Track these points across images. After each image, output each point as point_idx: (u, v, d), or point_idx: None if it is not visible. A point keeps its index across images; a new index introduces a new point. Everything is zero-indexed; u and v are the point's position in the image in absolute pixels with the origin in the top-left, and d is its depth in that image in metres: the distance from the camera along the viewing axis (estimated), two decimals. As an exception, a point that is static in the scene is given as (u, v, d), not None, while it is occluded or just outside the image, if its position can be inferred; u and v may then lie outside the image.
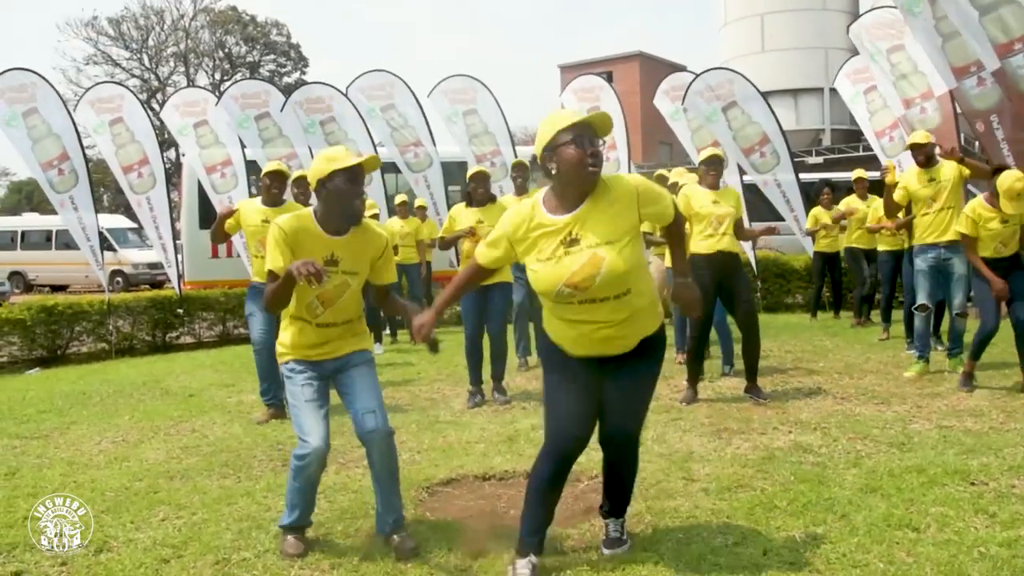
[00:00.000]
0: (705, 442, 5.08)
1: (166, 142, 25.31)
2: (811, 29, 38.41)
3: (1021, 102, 8.31)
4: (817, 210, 10.85)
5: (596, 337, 3.13)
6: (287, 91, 13.42)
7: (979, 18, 8.10)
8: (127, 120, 11.23)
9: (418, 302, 11.56)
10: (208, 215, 13.49)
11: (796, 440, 5.06)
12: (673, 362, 7.85)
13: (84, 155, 10.59)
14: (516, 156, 12.23)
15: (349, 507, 4.14)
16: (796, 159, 13.40)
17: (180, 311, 11.06)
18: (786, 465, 4.53)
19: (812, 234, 11.02)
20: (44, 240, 24.27)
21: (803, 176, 12.68)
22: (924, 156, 6.82)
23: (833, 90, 29.59)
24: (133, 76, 43.97)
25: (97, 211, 10.90)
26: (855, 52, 11.87)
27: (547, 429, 3.27)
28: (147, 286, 21.08)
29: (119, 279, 22.19)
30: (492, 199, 6.75)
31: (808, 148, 35.36)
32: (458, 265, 7.20)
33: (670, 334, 9.19)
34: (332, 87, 12.41)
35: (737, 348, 6.85)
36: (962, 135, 11.66)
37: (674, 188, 7.20)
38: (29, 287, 23.80)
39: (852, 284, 10.83)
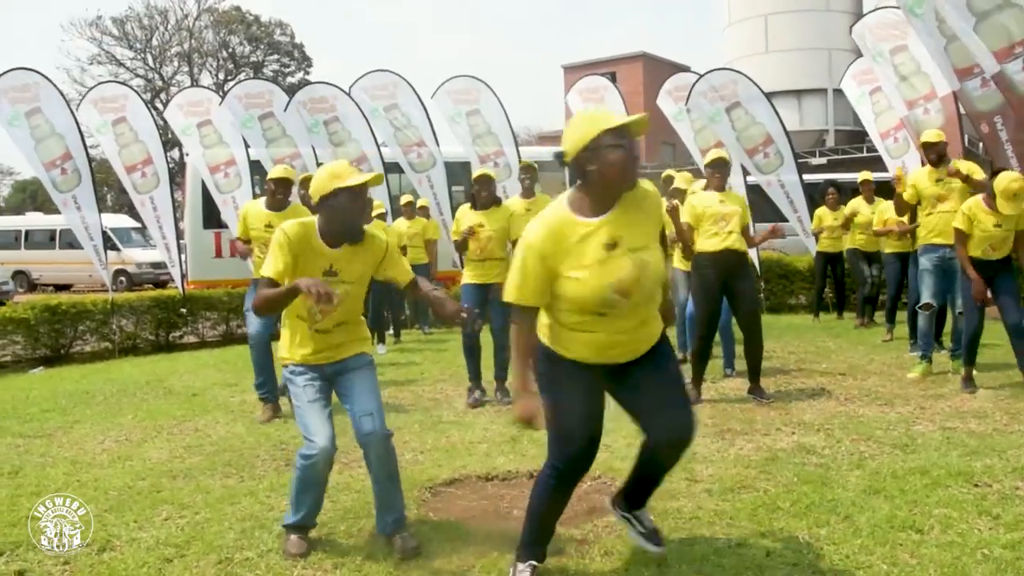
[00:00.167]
0: (708, 443, 5.07)
1: (170, 142, 25.32)
2: (815, 30, 38.38)
3: (1021, 106, 8.29)
4: (821, 210, 10.84)
5: (612, 342, 3.01)
6: (291, 91, 13.43)
7: (976, 24, 8.08)
8: (130, 120, 11.23)
9: (424, 305, 11.60)
10: (212, 214, 13.52)
11: (799, 441, 5.05)
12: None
13: (87, 155, 10.59)
14: (520, 156, 12.28)
15: (352, 507, 4.14)
16: (800, 160, 13.38)
17: (183, 310, 11.06)
18: (789, 466, 4.53)
19: (816, 234, 11.02)
20: (48, 239, 24.29)
21: (807, 177, 12.66)
22: (936, 155, 6.82)
23: (837, 91, 29.56)
24: (137, 76, 44.03)
25: (101, 211, 10.90)
26: (859, 53, 11.86)
27: (554, 438, 3.11)
28: (150, 285, 21.12)
29: (123, 278, 22.22)
30: (496, 202, 6.75)
31: (812, 149, 35.32)
32: (461, 266, 7.20)
33: (672, 334, 9.20)
34: (336, 87, 12.42)
35: (739, 349, 6.84)
36: (966, 136, 11.65)
37: (681, 195, 7.18)
38: (33, 286, 23.84)
39: (855, 285, 10.82)
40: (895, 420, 5.51)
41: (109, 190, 40.01)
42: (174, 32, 45.12)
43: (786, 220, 11.58)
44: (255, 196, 10.60)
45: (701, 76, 11.95)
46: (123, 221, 25.00)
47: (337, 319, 3.61)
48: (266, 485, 4.52)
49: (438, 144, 12.87)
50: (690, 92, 11.75)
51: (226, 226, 12.38)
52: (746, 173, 11.74)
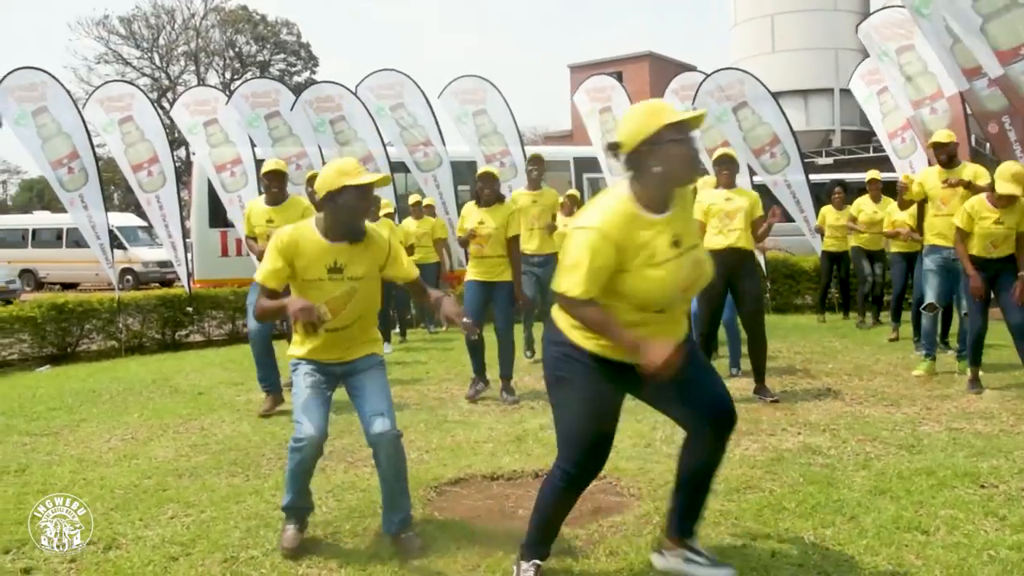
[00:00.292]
0: (713, 443, 5.06)
1: (176, 141, 25.35)
2: (821, 30, 38.29)
3: None
4: (827, 208, 10.83)
5: (660, 339, 2.85)
6: (297, 90, 13.45)
7: (983, 24, 8.04)
8: (137, 119, 11.25)
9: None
10: (218, 213, 13.54)
11: (805, 441, 5.05)
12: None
13: (94, 153, 10.62)
14: (525, 156, 12.28)
15: (357, 506, 4.14)
16: (806, 160, 13.36)
17: (189, 309, 11.08)
18: (795, 467, 4.52)
19: (820, 231, 11.01)
20: (54, 238, 24.36)
21: (813, 177, 12.64)
22: (946, 155, 6.82)
23: (844, 91, 29.47)
24: (144, 75, 44.14)
25: (107, 209, 10.92)
26: (866, 53, 11.84)
27: (567, 440, 3.01)
28: (157, 284, 21.18)
29: (129, 277, 22.27)
30: (500, 199, 6.75)
31: (818, 149, 35.28)
32: (465, 263, 7.21)
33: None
34: (342, 86, 12.43)
35: (744, 348, 6.83)
36: (973, 136, 11.62)
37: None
38: (40, 285, 23.91)
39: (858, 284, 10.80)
40: (901, 421, 5.50)
41: (116, 189, 40.06)
42: (181, 31, 45.24)
43: (792, 220, 11.57)
44: (260, 194, 10.62)
45: (708, 75, 11.94)
46: (129, 220, 25.06)
47: (351, 317, 3.61)
48: (271, 484, 4.52)
49: (444, 143, 12.88)
50: (697, 91, 11.73)
51: (232, 225, 12.41)
52: (752, 173, 11.72)
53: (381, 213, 9.18)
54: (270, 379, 6.55)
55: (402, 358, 9.00)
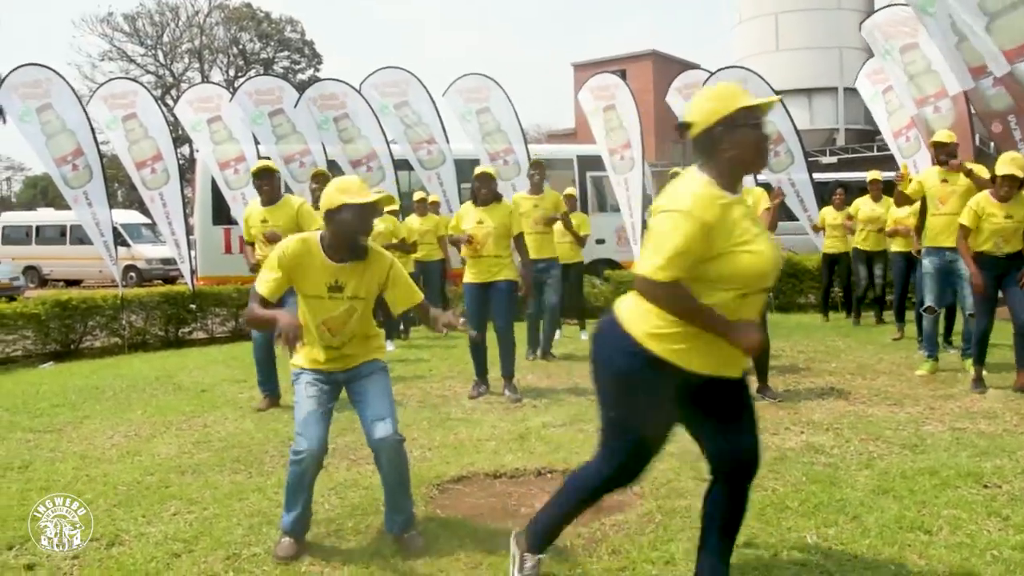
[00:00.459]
0: (716, 442, 5.05)
1: (180, 138, 25.42)
2: (825, 28, 38.29)
3: None
4: (827, 209, 10.83)
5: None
6: (301, 87, 13.45)
7: (989, 22, 8.02)
8: (140, 116, 11.26)
9: (436, 300, 11.61)
10: (221, 211, 13.55)
11: (808, 441, 5.04)
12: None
13: (98, 150, 10.63)
14: (529, 154, 12.28)
15: (360, 503, 4.14)
16: (810, 159, 13.36)
17: (193, 306, 11.09)
18: (798, 466, 4.52)
19: (818, 231, 11.01)
20: (58, 235, 24.41)
21: (817, 176, 12.63)
22: (947, 155, 6.81)
23: (848, 89, 29.44)
24: (148, 72, 44.24)
25: (111, 206, 10.95)
26: (870, 52, 11.82)
27: (620, 448, 2.90)
28: (160, 281, 21.20)
29: (132, 274, 22.32)
30: (497, 198, 6.75)
31: (822, 148, 35.26)
32: (462, 264, 7.22)
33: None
34: (346, 84, 12.43)
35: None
36: (977, 135, 11.60)
37: None
38: (43, 282, 23.95)
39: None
40: (904, 420, 5.49)
41: (119, 186, 40.16)
42: (185, 29, 45.32)
43: (796, 219, 11.56)
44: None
45: (712, 74, 11.95)
46: (133, 217, 25.11)
47: (349, 335, 3.61)
48: (274, 481, 4.52)
49: (448, 141, 12.88)
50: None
51: (236, 222, 12.41)
52: (756, 172, 11.70)
53: (386, 209, 9.17)
54: (270, 383, 6.59)
55: (405, 355, 9.00)
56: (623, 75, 15.42)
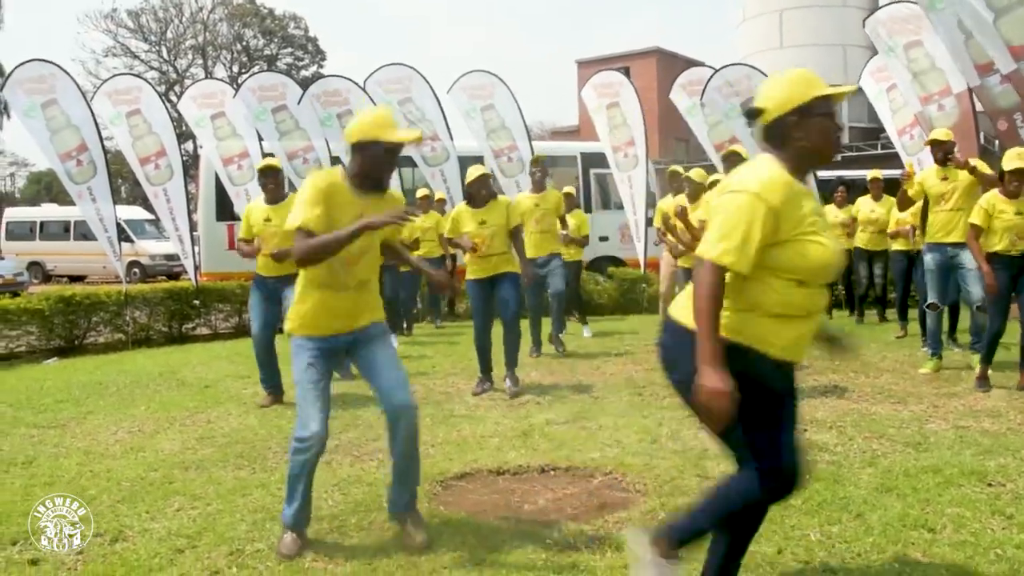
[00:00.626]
0: (720, 439, 5.05)
1: (184, 134, 25.40)
2: (830, 25, 38.18)
3: None
4: (828, 207, 10.80)
5: (810, 333, 2.68)
6: (304, 84, 13.46)
7: (996, 19, 8.00)
8: (144, 112, 11.28)
9: (436, 298, 11.62)
10: (225, 207, 13.57)
11: (811, 438, 5.03)
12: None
13: (103, 146, 10.65)
14: (532, 151, 12.28)
15: (363, 500, 4.14)
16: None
17: (196, 302, 11.11)
18: (801, 463, 4.51)
19: None
20: (62, 231, 24.44)
21: (821, 174, 12.61)
22: (943, 153, 6.79)
23: (852, 87, 29.31)
24: (152, 68, 44.24)
25: (115, 202, 10.97)
26: (874, 49, 11.80)
27: (762, 461, 2.69)
28: (164, 277, 21.23)
29: (136, 270, 22.34)
30: (493, 196, 6.75)
31: (826, 145, 35.11)
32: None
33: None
34: (349, 80, 12.44)
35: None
36: (981, 133, 11.57)
37: (695, 186, 7.17)
38: (47, 277, 24.00)
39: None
40: (908, 418, 5.48)
41: (123, 182, 40.15)
42: (188, 25, 45.31)
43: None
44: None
45: (716, 71, 11.93)
46: (137, 213, 25.12)
47: (359, 276, 3.59)
48: (277, 477, 4.52)
49: (452, 138, 12.88)
50: (705, 87, 11.72)
51: (239, 218, 12.39)
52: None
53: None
54: (272, 380, 6.61)
55: (408, 352, 9.00)
56: (627, 72, 15.43)
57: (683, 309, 2.66)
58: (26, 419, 6.21)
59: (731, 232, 2.47)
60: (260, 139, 12.05)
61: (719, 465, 4.53)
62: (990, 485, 4.07)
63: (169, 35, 45.18)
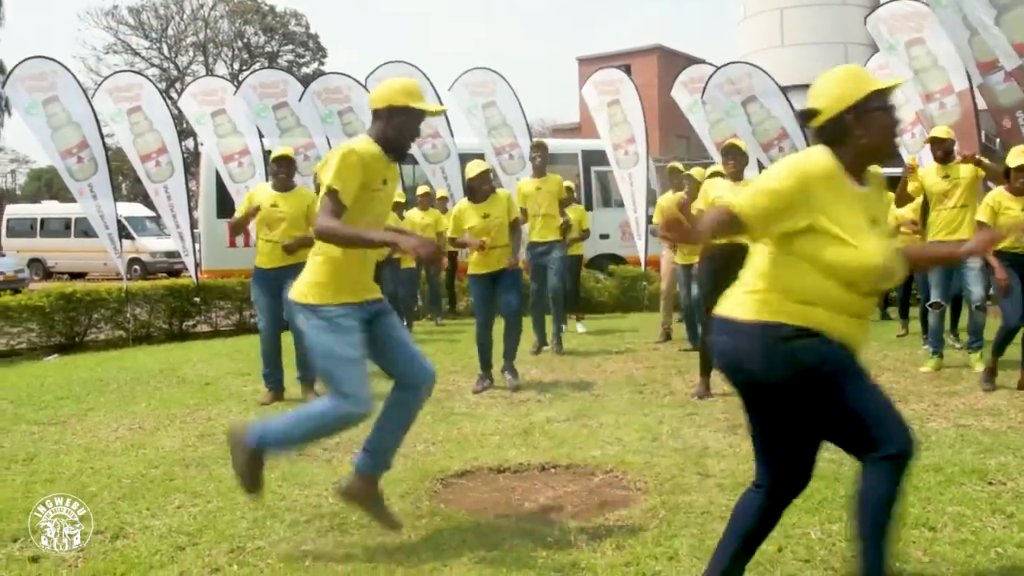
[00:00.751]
0: (720, 437, 5.06)
1: (184, 131, 25.37)
2: (830, 23, 38.15)
3: None
4: None
5: (866, 330, 2.63)
6: (305, 81, 13.46)
7: (999, 16, 7.99)
8: (145, 109, 11.27)
9: (436, 296, 11.62)
10: (226, 204, 13.55)
11: (812, 437, 5.02)
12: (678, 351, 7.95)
13: (103, 143, 10.65)
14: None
15: (363, 497, 4.14)
16: (815, 154, 13.31)
17: (197, 299, 11.11)
18: (802, 462, 4.50)
19: None
20: (63, 228, 24.45)
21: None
22: (943, 151, 6.79)
23: (853, 85, 29.24)
24: (152, 65, 44.26)
25: (116, 199, 10.97)
26: (875, 47, 11.79)
27: (892, 428, 2.64)
28: (164, 274, 21.22)
29: (137, 267, 22.35)
30: (493, 191, 6.78)
31: (827, 143, 35.12)
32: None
33: (679, 328, 9.19)
34: (350, 77, 12.44)
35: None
36: (983, 132, 11.56)
37: (695, 184, 7.17)
38: (48, 274, 24.01)
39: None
40: (909, 417, 5.39)
41: (124, 179, 40.16)
42: (189, 22, 45.33)
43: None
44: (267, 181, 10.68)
45: (717, 68, 11.93)
46: (138, 210, 25.13)
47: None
48: (278, 475, 4.52)
49: (452, 135, 12.87)
50: (706, 85, 11.72)
51: (240, 215, 12.41)
52: (761, 167, 11.69)
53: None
54: (275, 376, 6.60)
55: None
56: (628, 70, 15.45)
57: (735, 305, 2.65)
58: (27, 416, 6.21)
59: (762, 191, 2.51)
60: (261, 136, 12.05)
61: (719, 463, 4.53)
62: (991, 483, 4.07)
63: (170, 32, 45.23)
